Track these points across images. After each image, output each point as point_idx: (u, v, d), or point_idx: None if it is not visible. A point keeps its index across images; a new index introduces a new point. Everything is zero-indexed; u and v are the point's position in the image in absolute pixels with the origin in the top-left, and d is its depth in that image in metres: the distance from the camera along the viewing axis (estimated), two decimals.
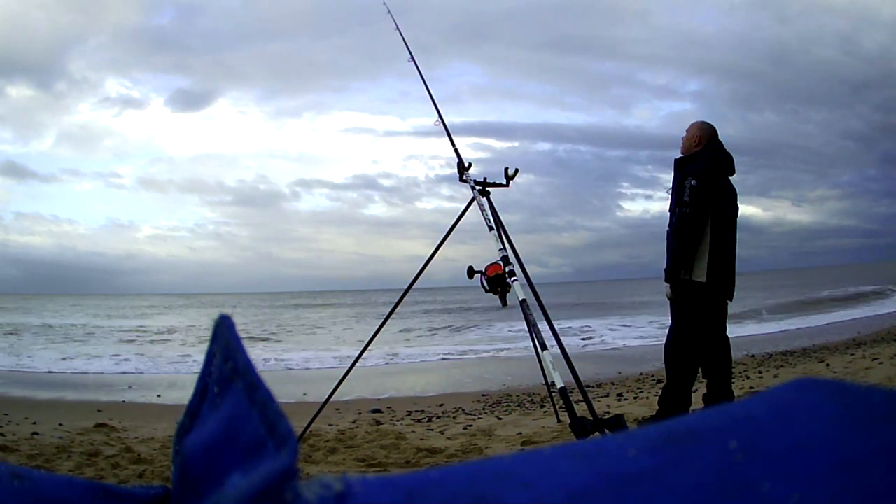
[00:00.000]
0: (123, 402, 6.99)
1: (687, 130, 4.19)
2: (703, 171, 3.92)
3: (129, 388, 8.28)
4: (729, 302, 4.09)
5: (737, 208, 4.17)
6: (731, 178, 4.14)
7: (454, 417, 5.43)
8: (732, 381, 6.15)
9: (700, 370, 4.14)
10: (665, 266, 4.02)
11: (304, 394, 6.99)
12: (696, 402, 4.38)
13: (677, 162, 4.12)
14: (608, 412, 4.42)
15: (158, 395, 7.47)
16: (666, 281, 4.03)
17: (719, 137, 4.15)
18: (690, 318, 4.00)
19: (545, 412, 5.22)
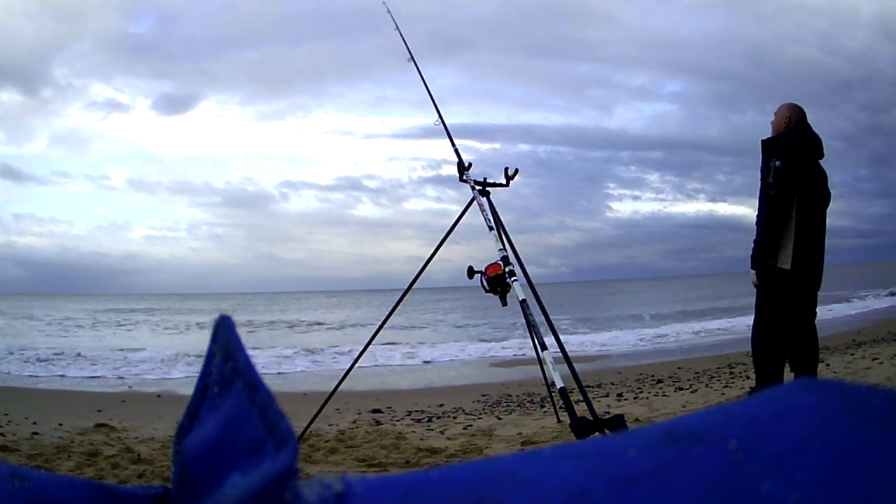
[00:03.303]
0: (123, 401, 6.99)
1: (776, 112, 4.06)
2: (788, 151, 3.76)
3: (129, 387, 8.29)
4: (818, 292, 3.95)
5: (828, 194, 3.97)
6: (820, 161, 3.95)
7: (454, 417, 5.43)
8: (734, 380, 6.17)
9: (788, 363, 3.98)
10: (751, 252, 3.89)
11: (304, 394, 6.99)
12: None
13: (763, 143, 3.95)
14: (608, 412, 4.42)
15: (158, 395, 7.48)
16: (751, 268, 3.91)
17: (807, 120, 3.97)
18: (775, 308, 3.86)
19: (545, 412, 5.22)
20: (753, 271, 3.92)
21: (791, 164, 3.75)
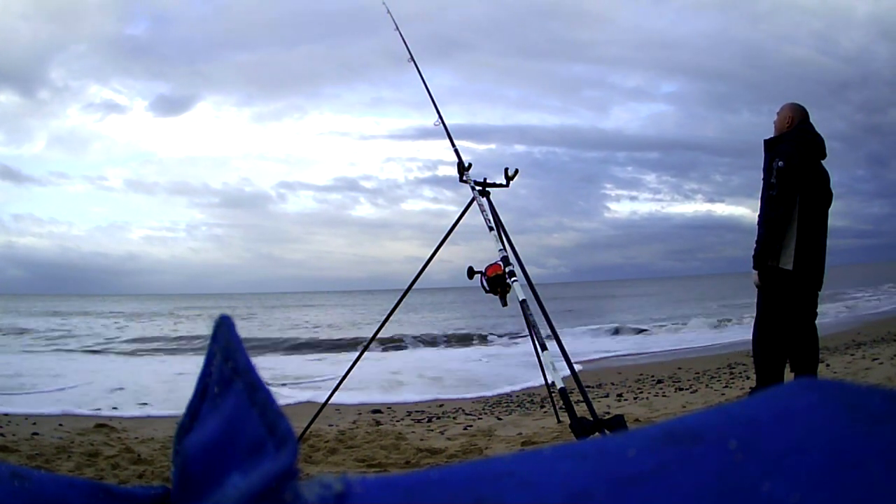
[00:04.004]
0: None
1: (778, 112, 4.05)
2: (791, 151, 3.76)
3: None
4: (819, 292, 3.95)
5: (829, 194, 3.97)
6: (822, 161, 3.94)
7: (454, 418, 5.42)
8: (734, 380, 6.17)
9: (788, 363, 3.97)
10: (753, 252, 3.89)
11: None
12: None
13: (766, 143, 3.95)
14: (608, 412, 4.41)
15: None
16: (753, 268, 3.91)
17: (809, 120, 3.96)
18: (776, 308, 3.87)
19: (545, 412, 5.22)
20: (755, 272, 3.92)
21: (794, 164, 3.75)
